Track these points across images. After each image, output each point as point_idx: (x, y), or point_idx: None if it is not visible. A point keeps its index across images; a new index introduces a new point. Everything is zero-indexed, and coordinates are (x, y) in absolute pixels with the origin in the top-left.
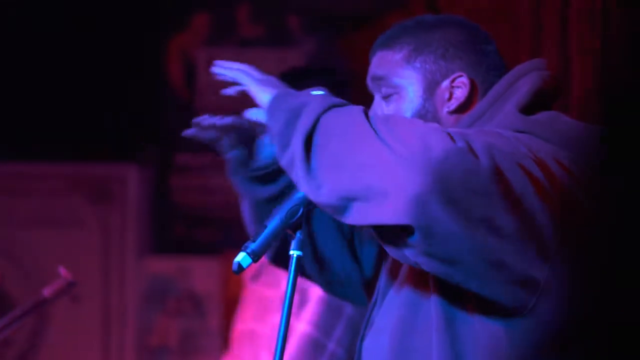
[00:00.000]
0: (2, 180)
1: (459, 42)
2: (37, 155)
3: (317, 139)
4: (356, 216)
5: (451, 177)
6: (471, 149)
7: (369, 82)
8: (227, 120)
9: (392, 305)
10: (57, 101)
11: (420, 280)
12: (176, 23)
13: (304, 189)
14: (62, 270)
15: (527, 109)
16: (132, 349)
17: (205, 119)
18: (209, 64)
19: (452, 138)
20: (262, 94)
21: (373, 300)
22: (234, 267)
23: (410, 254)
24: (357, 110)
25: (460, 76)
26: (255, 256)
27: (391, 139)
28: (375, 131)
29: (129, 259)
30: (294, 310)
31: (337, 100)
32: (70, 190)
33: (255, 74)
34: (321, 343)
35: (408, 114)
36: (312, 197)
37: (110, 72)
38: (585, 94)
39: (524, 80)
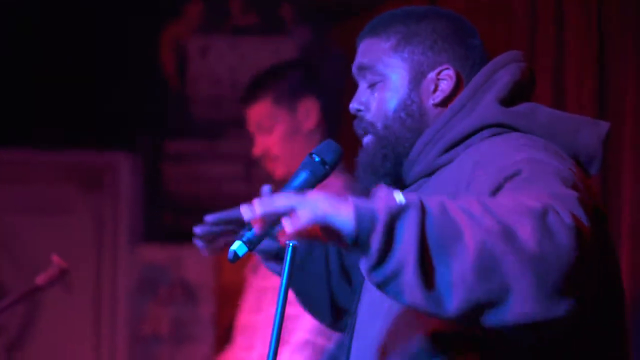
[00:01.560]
0: None
1: (446, 34)
2: (28, 143)
3: (432, 246)
4: (488, 319)
5: (581, 266)
6: (582, 223)
7: (354, 70)
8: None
9: (378, 314)
10: (48, 89)
11: None
12: (169, 11)
13: (419, 303)
14: (55, 258)
15: (507, 101)
16: (123, 337)
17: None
18: (202, 52)
19: (560, 217)
20: (340, 215)
21: (354, 308)
22: (230, 255)
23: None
24: (456, 205)
25: (447, 69)
26: (251, 244)
27: (512, 236)
28: (492, 227)
29: (121, 247)
30: (293, 298)
31: (417, 197)
32: (62, 178)
33: (319, 197)
34: (317, 343)
35: (393, 103)
36: (430, 310)
37: (102, 60)
38: (581, 91)
39: (502, 72)
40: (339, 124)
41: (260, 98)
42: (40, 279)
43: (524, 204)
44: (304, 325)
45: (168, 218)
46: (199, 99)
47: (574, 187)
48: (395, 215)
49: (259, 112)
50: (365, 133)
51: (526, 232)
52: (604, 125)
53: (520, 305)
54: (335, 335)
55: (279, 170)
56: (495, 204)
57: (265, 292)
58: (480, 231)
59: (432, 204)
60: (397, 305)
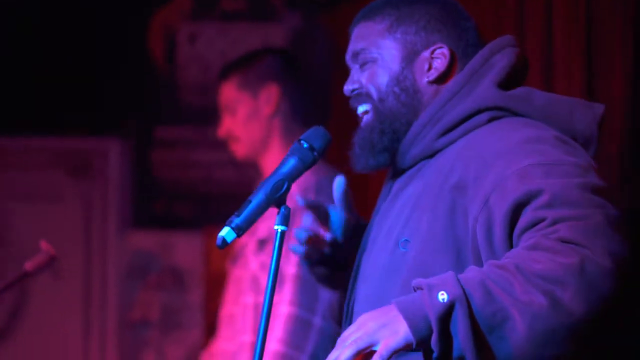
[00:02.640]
0: None
1: (440, 16)
2: (18, 129)
3: (485, 331)
4: None
5: (628, 297)
6: (618, 257)
7: (348, 57)
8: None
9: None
10: (38, 75)
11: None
12: None
13: None
14: (44, 245)
15: (503, 85)
16: (113, 323)
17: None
18: (191, 38)
19: (597, 264)
20: (399, 337)
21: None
22: (218, 241)
23: None
24: (496, 283)
25: (441, 47)
26: (239, 231)
27: (557, 304)
28: (536, 301)
29: (110, 233)
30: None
31: (457, 284)
32: (51, 164)
33: (372, 327)
34: (307, 320)
35: (385, 78)
36: None
37: (91, 46)
38: (570, 83)
39: (499, 56)
40: (327, 115)
41: (227, 81)
42: (28, 265)
43: (560, 262)
44: (284, 298)
45: (158, 204)
46: (189, 85)
47: (595, 189)
48: (446, 317)
49: (226, 93)
50: (363, 103)
51: (569, 294)
52: (599, 107)
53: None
54: (321, 309)
55: (239, 152)
56: (531, 267)
57: (241, 282)
58: (526, 308)
59: (474, 290)
60: (395, 277)
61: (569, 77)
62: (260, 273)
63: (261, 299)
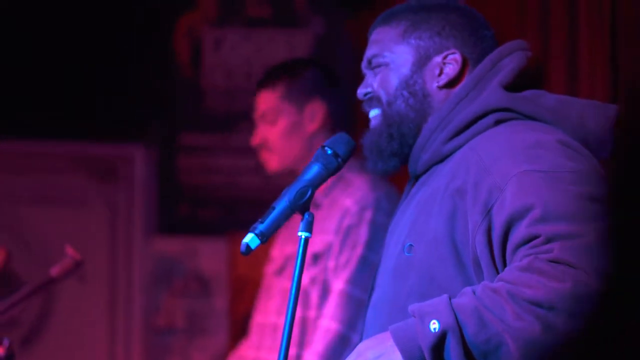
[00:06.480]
0: (9, 158)
1: (457, 23)
2: (44, 134)
3: (479, 357)
4: None
5: (619, 308)
6: (606, 275)
7: (364, 63)
8: None
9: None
10: (64, 79)
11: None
12: (184, 2)
13: None
14: (69, 250)
15: (512, 87)
16: (138, 329)
17: None
18: (217, 44)
19: (588, 287)
20: None
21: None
22: (242, 248)
23: None
24: (489, 310)
25: (453, 53)
26: (263, 237)
27: (550, 327)
28: (529, 326)
29: (136, 239)
30: (315, 302)
31: (450, 311)
32: (77, 169)
33: (366, 356)
34: (347, 336)
35: (395, 82)
36: None
37: (118, 51)
38: (594, 80)
39: (508, 59)
40: (352, 121)
41: (270, 89)
42: (54, 271)
43: (552, 287)
44: (327, 312)
45: (182, 210)
46: (213, 91)
47: (592, 197)
48: (438, 346)
49: (266, 102)
50: (374, 108)
51: (562, 319)
52: (612, 109)
53: None
54: (360, 327)
55: (272, 163)
56: (524, 293)
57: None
58: (519, 333)
59: (466, 317)
60: (403, 280)
61: (593, 76)
62: (311, 287)
63: (309, 313)
